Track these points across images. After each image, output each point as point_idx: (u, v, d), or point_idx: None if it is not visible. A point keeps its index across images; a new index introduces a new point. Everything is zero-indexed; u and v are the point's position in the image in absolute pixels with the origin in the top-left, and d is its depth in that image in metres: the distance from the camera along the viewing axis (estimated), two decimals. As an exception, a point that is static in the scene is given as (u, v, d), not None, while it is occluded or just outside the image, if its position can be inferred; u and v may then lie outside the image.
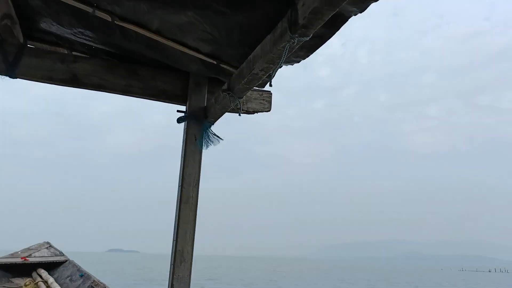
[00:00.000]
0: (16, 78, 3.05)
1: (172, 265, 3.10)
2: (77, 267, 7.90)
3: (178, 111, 3.34)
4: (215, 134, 3.29)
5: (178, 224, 3.13)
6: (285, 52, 2.03)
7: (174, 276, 3.06)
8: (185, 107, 3.37)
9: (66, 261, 8.33)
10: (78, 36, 3.01)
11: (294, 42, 1.95)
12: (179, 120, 3.29)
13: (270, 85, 2.27)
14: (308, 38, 1.96)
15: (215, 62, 2.93)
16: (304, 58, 2.52)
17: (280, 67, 2.21)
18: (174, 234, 3.16)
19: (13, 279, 7.65)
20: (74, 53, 3.27)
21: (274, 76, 2.29)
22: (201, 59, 2.97)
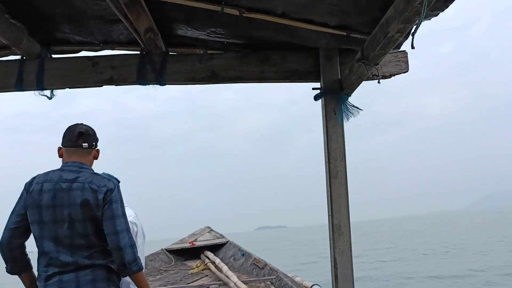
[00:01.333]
0: (165, 84, 3.36)
1: (331, 239, 3.17)
2: (237, 247, 8.55)
3: (313, 88, 3.35)
4: (353, 106, 3.24)
5: (331, 199, 3.18)
6: (424, 8, 1.90)
7: (335, 250, 3.13)
8: (319, 83, 3.37)
9: (227, 242, 9.07)
10: (211, 35, 3.19)
11: (433, -5, 1.82)
12: (316, 97, 3.31)
13: (413, 47, 2.15)
14: (448, -13, 1.81)
15: (344, 33, 2.87)
16: (442, 10, 2.33)
17: (419, 25, 2.08)
18: (328, 209, 3.21)
19: (185, 262, 8.58)
20: (209, 51, 3.48)
21: (414, 35, 2.14)
22: (329, 32, 2.94)
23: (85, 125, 2.50)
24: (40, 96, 3.33)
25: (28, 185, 2.36)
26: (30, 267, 2.43)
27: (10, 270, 2.39)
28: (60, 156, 2.47)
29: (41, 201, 2.29)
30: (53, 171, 2.40)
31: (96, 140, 2.52)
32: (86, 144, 2.43)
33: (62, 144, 2.46)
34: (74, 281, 2.24)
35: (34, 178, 2.39)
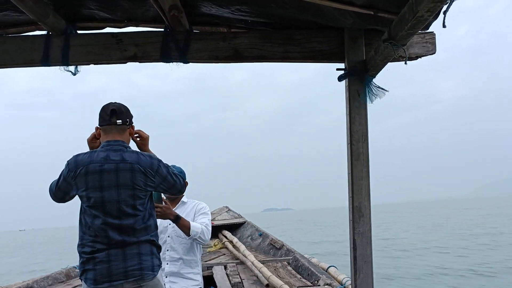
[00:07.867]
0: (188, 62, 3.36)
1: (351, 221, 3.16)
2: (255, 227, 8.62)
3: (337, 69, 3.31)
4: (379, 87, 3.20)
5: (352, 181, 3.16)
6: (457, -14, 1.85)
7: (355, 231, 3.12)
8: (343, 64, 3.33)
9: (245, 222, 9.14)
10: (236, 13, 3.17)
11: (467, -27, 1.76)
12: (340, 78, 3.27)
13: (444, 26, 2.10)
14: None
15: (372, 13, 2.81)
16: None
17: (451, 3, 2.02)
18: (349, 191, 3.20)
19: (203, 240, 8.69)
20: (232, 30, 3.45)
21: (446, 13, 2.09)
22: (356, 11, 2.88)
23: (117, 103, 2.56)
24: (65, 71, 3.36)
25: (74, 167, 2.41)
26: None
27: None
28: (98, 136, 2.55)
29: (88, 183, 2.36)
30: (96, 151, 2.45)
31: (130, 117, 2.57)
32: (120, 121, 2.50)
33: (98, 124, 2.54)
34: (121, 254, 2.36)
35: (77, 158, 2.43)
